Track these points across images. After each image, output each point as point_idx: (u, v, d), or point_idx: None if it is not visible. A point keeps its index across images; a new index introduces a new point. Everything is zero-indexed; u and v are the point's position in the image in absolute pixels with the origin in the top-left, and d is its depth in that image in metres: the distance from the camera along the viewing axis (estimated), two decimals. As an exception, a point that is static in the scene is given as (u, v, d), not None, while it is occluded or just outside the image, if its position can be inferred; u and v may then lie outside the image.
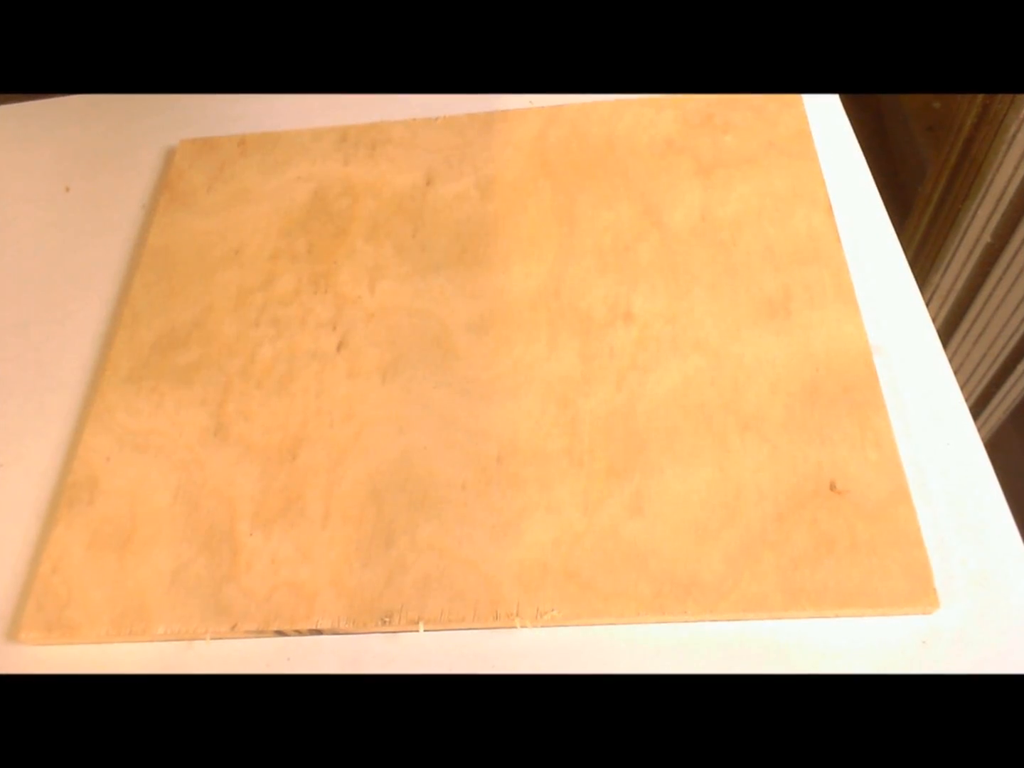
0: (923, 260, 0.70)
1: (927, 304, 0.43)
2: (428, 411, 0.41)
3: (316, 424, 0.41)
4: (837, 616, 0.34)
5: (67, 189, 0.55)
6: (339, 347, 0.44)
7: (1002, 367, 0.69)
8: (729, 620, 0.35)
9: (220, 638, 0.37)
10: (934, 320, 0.42)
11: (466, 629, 0.36)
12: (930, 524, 0.36)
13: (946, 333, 0.71)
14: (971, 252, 0.65)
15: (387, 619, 0.36)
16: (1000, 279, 0.64)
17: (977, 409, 0.74)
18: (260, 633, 0.37)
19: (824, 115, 0.50)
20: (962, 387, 0.40)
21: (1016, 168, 0.57)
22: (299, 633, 0.37)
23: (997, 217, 0.61)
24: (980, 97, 0.59)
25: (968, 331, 0.69)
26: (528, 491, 0.38)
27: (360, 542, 0.38)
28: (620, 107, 0.52)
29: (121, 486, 0.41)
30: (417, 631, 0.36)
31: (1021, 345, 0.66)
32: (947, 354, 0.41)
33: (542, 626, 0.35)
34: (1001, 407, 0.73)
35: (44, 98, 0.61)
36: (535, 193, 0.49)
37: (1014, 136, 0.56)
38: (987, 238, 0.63)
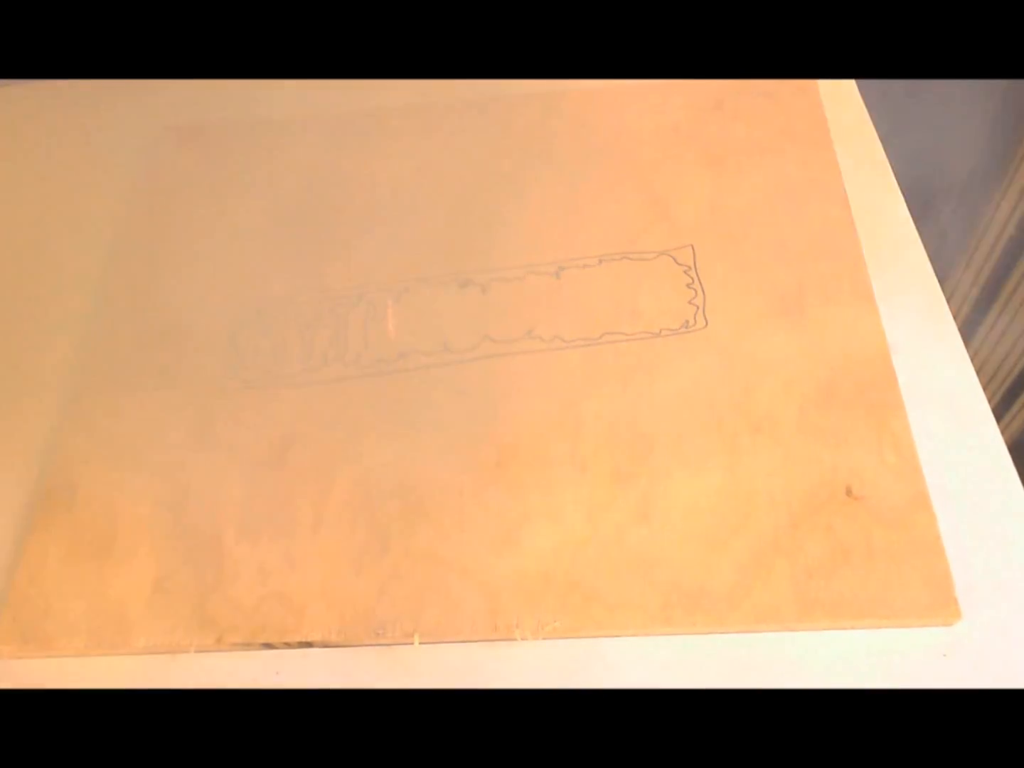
0: (944, 254, 0.70)
1: (948, 300, 0.43)
2: (424, 412, 0.41)
3: (306, 426, 0.41)
4: (853, 628, 0.34)
5: (46, 179, 0.55)
6: (330, 344, 0.44)
7: (1027, 367, 0.69)
8: (740, 632, 0.35)
9: (205, 651, 0.37)
10: (955, 317, 0.42)
11: (463, 642, 0.36)
12: (951, 531, 0.36)
13: (968, 331, 0.71)
14: (994, 246, 0.65)
15: (380, 631, 0.36)
16: (1025, 274, 0.64)
17: (1000, 411, 0.74)
18: (247, 646, 0.37)
19: (840, 101, 0.50)
20: (984, 387, 0.40)
21: (1041, 157, 0.57)
22: (288, 646, 0.37)
23: (1022, 209, 0.61)
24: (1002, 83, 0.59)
25: (991, 329, 0.69)
26: (529, 497, 0.38)
27: (352, 551, 0.38)
28: (625, 93, 0.52)
29: (101, 492, 0.41)
30: (412, 644, 0.36)
31: (1047, 343, 0.66)
32: (969, 353, 0.41)
33: (544, 638, 0.35)
34: (1026, 409, 0.73)
35: (21, 83, 0.61)
36: (537, 183, 0.49)
37: (1039, 124, 0.56)
38: (1011, 231, 0.63)
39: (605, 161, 0.49)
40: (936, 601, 0.34)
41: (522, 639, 0.35)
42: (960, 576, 0.35)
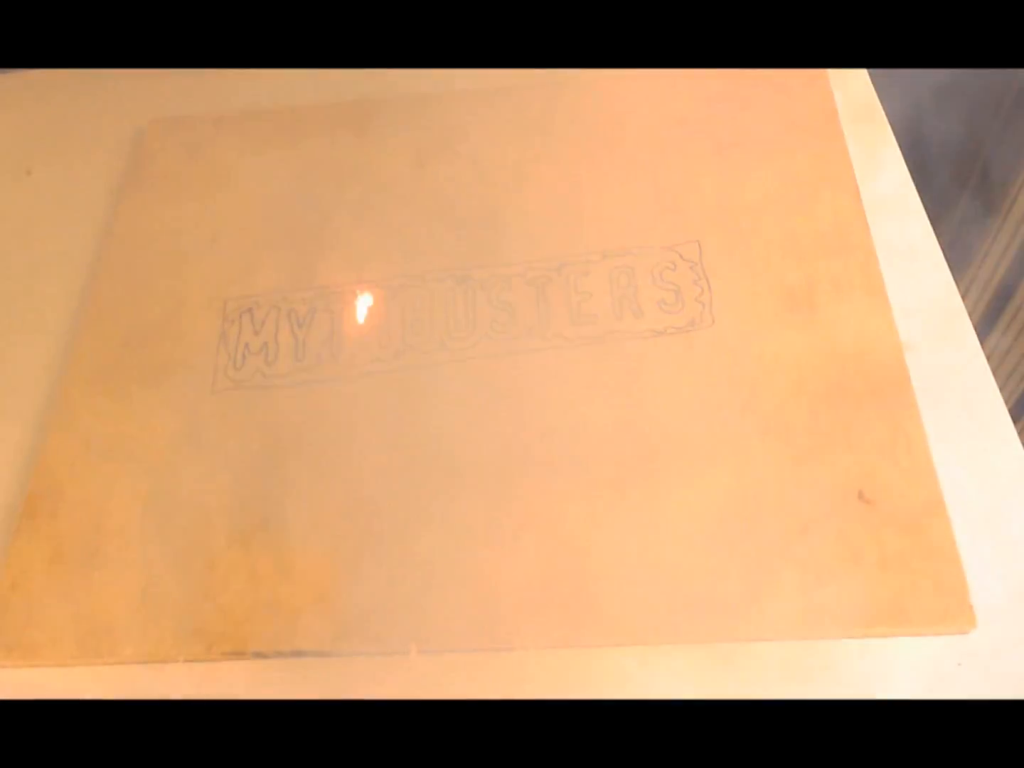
0: (959, 248, 0.70)
1: (963, 297, 0.43)
2: (421, 415, 0.41)
3: (299, 428, 0.41)
4: (865, 636, 0.34)
5: (28, 172, 0.56)
6: (325, 343, 0.44)
7: (1045, 366, 0.69)
8: (748, 641, 0.35)
9: (194, 660, 0.37)
10: (971, 314, 0.42)
11: (462, 651, 0.36)
12: (966, 536, 0.36)
13: (984, 328, 0.71)
14: (1011, 239, 0.65)
15: (376, 640, 0.36)
16: (1043, 270, 0.64)
17: (1017, 412, 0.74)
18: (238, 655, 0.37)
19: (851, 91, 0.50)
20: (1001, 388, 0.40)
21: (1060, 149, 0.57)
22: (280, 655, 0.37)
23: (1040, 202, 0.61)
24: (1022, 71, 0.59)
25: (1008, 326, 0.69)
26: (529, 501, 0.38)
27: (346, 556, 0.38)
28: (629, 82, 0.52)
29: (87, 496, 0.41)
30: (409, 653, 0.36)
31: (1066, 342, 0.66)
32: (985, 352, 0.41)
33: (544, 648, 0.35)
34: (1044, 409, 0.73)
35: (1, 72, 0.61)
36: (537, 176, 0.49)
37: (1058, 114, 0.56)
38: (1029, 225, 0.63)
39: (608, 153, 0.49)
40: (950, 608, 0.34)
41: (522, 648, 0.35)
42: (975, 583, 0.35)
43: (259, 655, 0.37)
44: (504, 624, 0.35)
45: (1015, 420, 0.39)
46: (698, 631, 0.35)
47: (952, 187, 0.68)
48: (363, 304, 0.45)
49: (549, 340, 0.43)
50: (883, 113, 0.50)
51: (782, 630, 0.34)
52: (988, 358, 0.41)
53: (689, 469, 0.38)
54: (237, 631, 0.36)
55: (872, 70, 0.52)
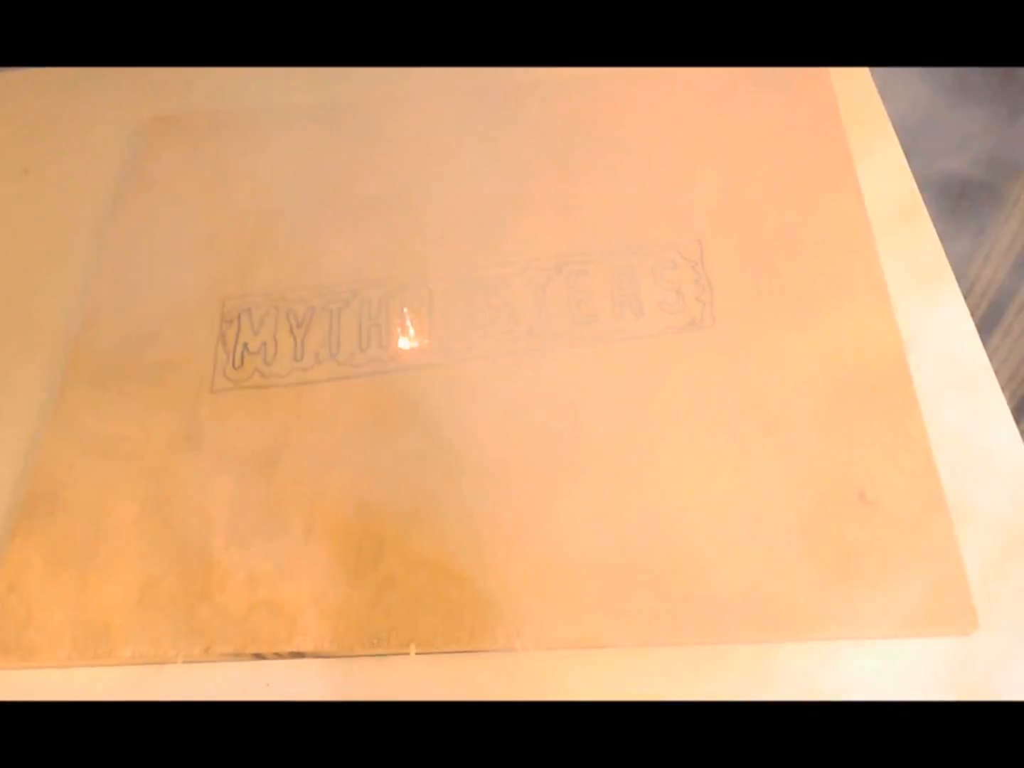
0: (961, 248, 0.69)
1: (965, 297, 0.43)
2: (420, 414, 0.41)
3: (298, 429, 0.41)
4: (867, 637, 0.34)
5: (25, 171, 0.55)
6: (323, 343, 0.44)
7: (1048, 366, 0.69)
8: (749, 643, 0.35)
9: (193, 661, 0.37)
10: (973, 315, 0.42)
11: (461, 652, 0.36)
12: (968, 537, 0.36)
13: (986, 329, 0.71)
14: (1014, 239, 0.65)
15: (375, 641, 0.36)
16: (1046, 269, 0.64)
17: (1020, 412, 0.74)
18: (237, 656, 0.37)
19: (853, 90, 0.50)
20: (1003, 388, 0.40)
21: (1063, 147, 0.57)
22: (279, 656, 0.37)
23: (1043, 201, 0.61)
24: None
25: (1010, 326, 0.69)
26: (529, 501, 0.38)
27: (345, 557, 0.38)
28: (630, 81, 0.52)
29: (85, 496, 0.41)
30: (408, 654, 0.36)
31: (1068, 342, 0.66)
32: (987, 352, 0.41)
33: (544, 649, 0.35)
34: (1046, 409, 0.73)
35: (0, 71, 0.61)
36: (537, 175, 0.49)
37: (1061, 112, 0.56)
38: (1031, 224, 0.63)
39: (609, 152, 0.49)
40: (952, 610, 0.34)
41: (523, 649, 0.35)
42: (977, 584, 0.35)
43: (258, 656, 0.37)
44: (504, 624, 0.35)
45: (1016, 421, 0.39)
46: (698, 632, 0.35)
47: (955, 186, 0.68)
48: (362, 304, 0.45)
49: (549, 340, 0.43)
50: (885, 111, 0.50)
51: (783, 631, 0.34)
52: (990, 358, 0.41)
53: (689, 469, 0.38)
54: (236, 632, 0.36)
55: (874, 68, 0.52)
